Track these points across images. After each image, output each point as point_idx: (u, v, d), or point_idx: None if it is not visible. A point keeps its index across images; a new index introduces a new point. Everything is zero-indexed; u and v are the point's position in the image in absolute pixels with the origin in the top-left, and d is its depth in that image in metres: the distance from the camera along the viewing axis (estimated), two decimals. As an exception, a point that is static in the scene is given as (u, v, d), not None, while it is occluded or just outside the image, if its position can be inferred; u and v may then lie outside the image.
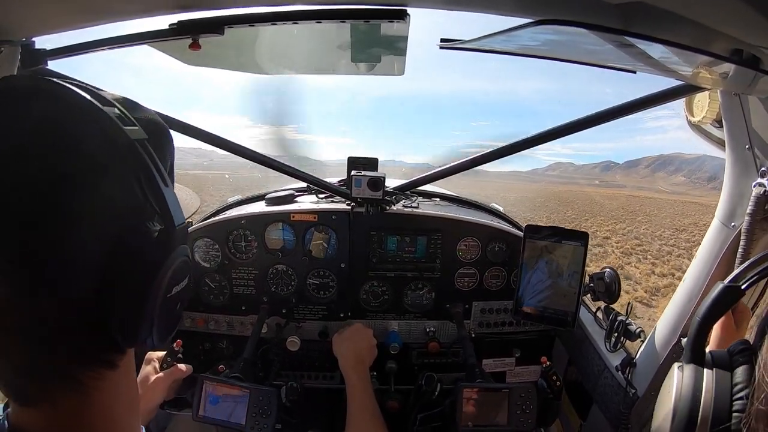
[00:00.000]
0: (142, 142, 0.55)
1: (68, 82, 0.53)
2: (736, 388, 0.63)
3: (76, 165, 0.49)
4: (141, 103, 0.65)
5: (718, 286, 0.76)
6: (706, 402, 0.64)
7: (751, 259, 0.82)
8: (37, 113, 0.49)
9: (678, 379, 0.69)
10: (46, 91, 0.52)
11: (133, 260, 0.53)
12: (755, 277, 0.75)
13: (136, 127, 0.55)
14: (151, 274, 0.54)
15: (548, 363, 1.61)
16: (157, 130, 0.63)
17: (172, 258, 0.56)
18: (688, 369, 0.69)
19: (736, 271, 0.78)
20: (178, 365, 1.52)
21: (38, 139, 0.48)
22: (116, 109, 0.55)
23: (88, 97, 0.52)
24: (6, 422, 0.56)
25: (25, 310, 0.48)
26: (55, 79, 0.53)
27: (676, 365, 0.73)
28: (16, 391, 0.54)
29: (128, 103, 0.61)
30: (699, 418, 0.64)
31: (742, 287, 0.75)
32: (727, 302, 0.75)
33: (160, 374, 1.47)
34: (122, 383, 0.60)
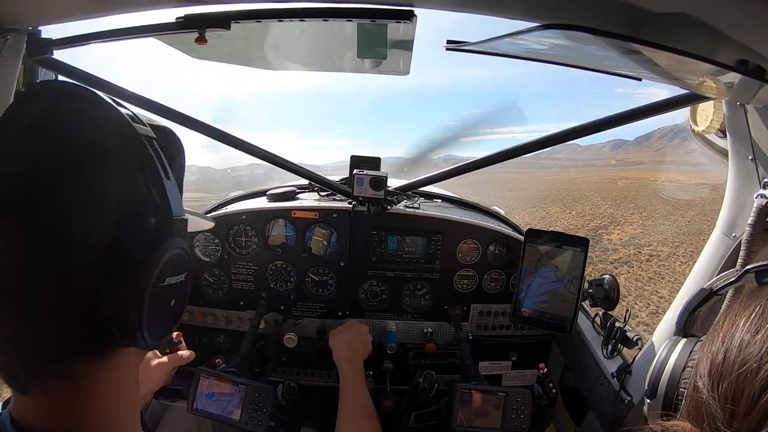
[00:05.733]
0: (150, 139, 0.58)
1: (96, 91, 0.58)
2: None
3: (82, 154, 0.52)
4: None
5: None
6: (669, 365, 0.78)
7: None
8: (55, 107, 0.54)
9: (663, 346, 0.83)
10: (71, 91, 0.57)
11: (128, 247, 0.53)
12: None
13: (146, 127, 0.59)
14: (143, 262, 0.54)
15: (546, 370, 1.62)
16: (168, 137, 0.66)
17: (165, 247, 0.56)
18: (672, 339, 0.85)
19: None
20: (180, 352, 1.52)
21: (52, 129, 0.53)
22: (130, 111, 0.59)
23: (106, 98, 0.57)
24: (8, 418, 0.56)
25: (18, 280, 0.50)
26: (83, 85, 0.58)
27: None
28: (10, 374, 0.54)
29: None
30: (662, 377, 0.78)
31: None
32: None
33: (163, 359, 1.46)
34: (120, 380, 0.60)
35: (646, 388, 0.79)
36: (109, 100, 0.57)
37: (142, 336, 0.55)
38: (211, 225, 0.96)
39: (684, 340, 0.80)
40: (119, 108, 0.57)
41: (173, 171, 0.61)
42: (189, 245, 0.64)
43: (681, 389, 0.73)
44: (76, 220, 0.51)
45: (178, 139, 0.70)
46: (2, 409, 0.61)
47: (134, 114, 0.59)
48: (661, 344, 1.40)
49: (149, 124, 0.62)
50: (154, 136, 0.60)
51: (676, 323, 0.89)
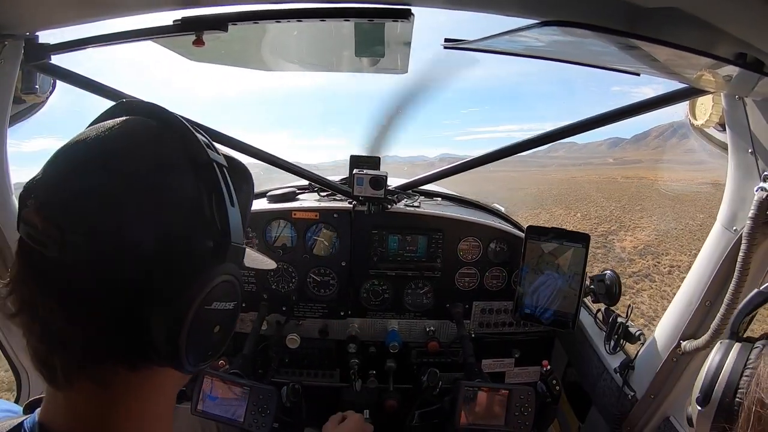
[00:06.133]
0: (221, 167, 0.60)
1: (178, 115, 0.61)
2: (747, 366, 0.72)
3: (152, 166, 0.56)
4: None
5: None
6: (724, 373, 0.74)
7: None
8: (141, 125, 0.59)
9: (714, 350, 0.80)
10: (155, 112, 0.61)
11: (181, 262, 0.54)
12: None
13: (219, 155, 0.62)
14: (194, 279, 0.54)
15: (549, 367, 1.62)
16: (238, 169, 0.70)
17: (219, 269, 0.56)
18: (725, 344, 0.80)
19: None
20: None
21: (129, 143, 0.57)
22: (206, 139, 0.62)
23: (187, 124, 0.60)
24: (37, 424, 0.56)
25: (69, 274, 0.51)
26: (172, 112, 0.62)
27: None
28: (49, 368, 0.54)
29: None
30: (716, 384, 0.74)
31: None
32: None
33: None
34: (155, 399, 0.60)
35: (698, 394, 0.75)
36: (190, 127, 0.60)
37: (178, 356, 0.53)
38: (273, 265, 0.97)
39: (738, 345, 0.77)
40: (197, 134, 0.60)
41: (239, 200, 0.63)
42: None
43: (737, 399, 0.70)
44: (132, 224, 0.52)
45: (249, 173, 0.74)
46: (26, 411, 0.61)
47: (210, 141, 0.62)
48: (664, 340, 1.42)
49: (222, 154, 0.64)
50: (225, 165, 0.62)
51: (730, 327, 0.85)
